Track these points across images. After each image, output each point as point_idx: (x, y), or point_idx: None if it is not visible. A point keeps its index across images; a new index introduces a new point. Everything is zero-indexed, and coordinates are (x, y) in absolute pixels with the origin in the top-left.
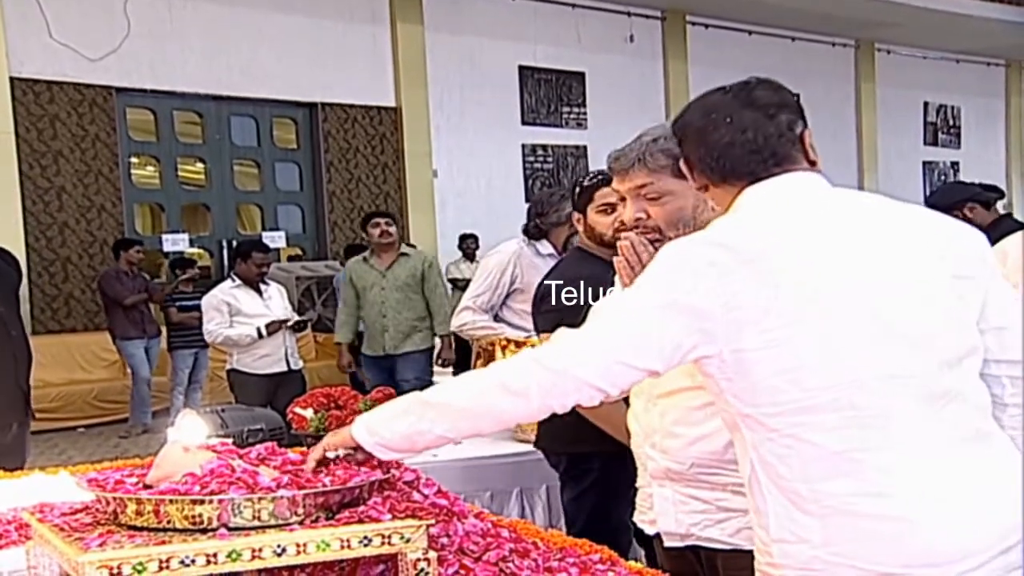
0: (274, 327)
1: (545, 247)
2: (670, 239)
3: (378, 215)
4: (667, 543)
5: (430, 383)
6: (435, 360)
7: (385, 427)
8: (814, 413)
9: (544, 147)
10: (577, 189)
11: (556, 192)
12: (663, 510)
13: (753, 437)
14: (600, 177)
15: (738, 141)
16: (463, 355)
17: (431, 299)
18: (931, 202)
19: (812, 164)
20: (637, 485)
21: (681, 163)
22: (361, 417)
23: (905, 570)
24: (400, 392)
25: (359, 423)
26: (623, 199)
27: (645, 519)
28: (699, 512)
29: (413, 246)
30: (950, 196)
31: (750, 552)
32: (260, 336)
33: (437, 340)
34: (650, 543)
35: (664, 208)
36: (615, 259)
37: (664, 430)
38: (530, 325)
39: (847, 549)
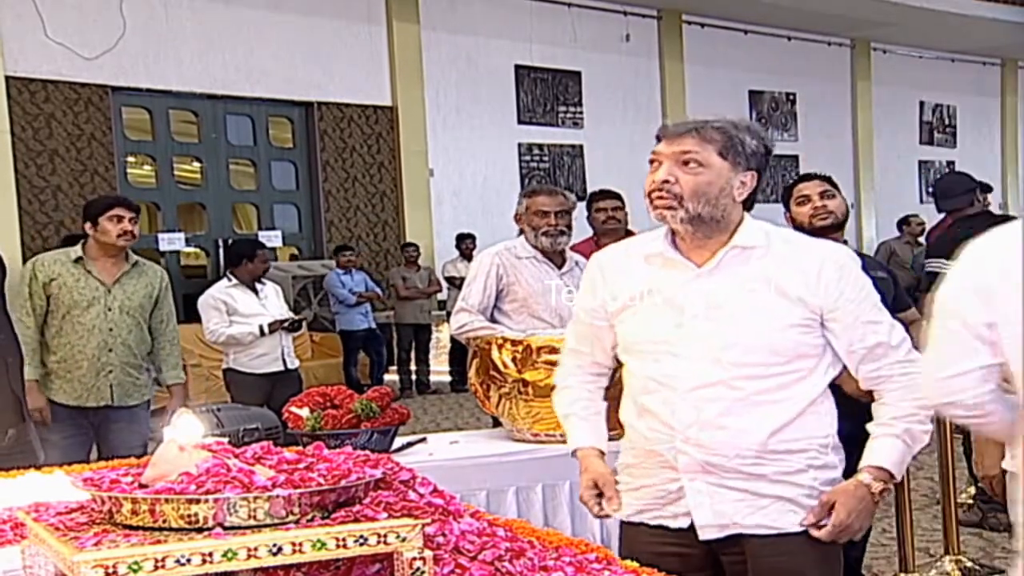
0: (276, 326)
1: (525, 250)
2: (686, 210)
3: (120, 203)
4: (703, 536)
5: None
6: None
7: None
8: None
9: (540, 146)
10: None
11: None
12: (698, 503)
13: None
14: (797, 177)
15: None
16: (461, 355)
17: (160, 333)
18: (938, 192)
19: None
20: (644, 483)
21: None
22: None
23: None
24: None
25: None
26: (660, 163)
27: (663, 514)
28: (738, 501)
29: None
30: (958, 187)
31: (790, 535)
32: (262, 334)
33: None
34: None
35: (696, 178)
36: None
37: (703, 422)
38: (521, 325)
39: None
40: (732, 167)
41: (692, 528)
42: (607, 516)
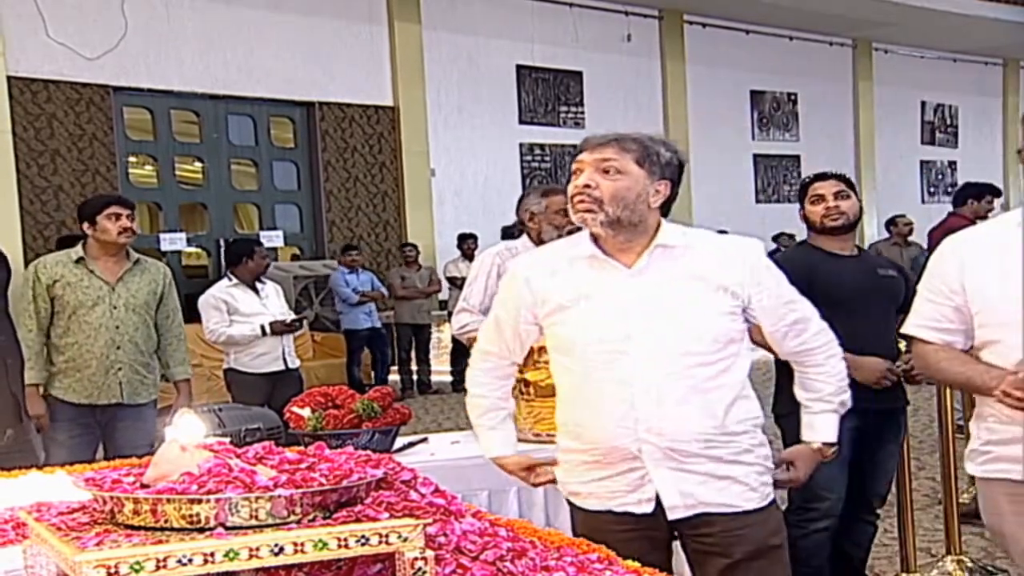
0: (278, 328)
1: (525, 248)
2: (606, 214)
3: (116, 201)
4: (672, 516)
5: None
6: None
7: None
8: None
9: (541, 146)
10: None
11: (530, 190)
12: (663, 487)
13: None
14: (813, 175)
15: None
16: (462, 355)
17: (166, 330)
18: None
19: None
20: (606, 473)
21: None
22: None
23: None
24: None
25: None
26: (582, 171)
27: (627, 501)
28: (700, 484)
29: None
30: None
31: (748, 512)
32: (264, 334)
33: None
34: None
35: (615, 184)
36: None
37: (663, 414)
38: None
39: None
40: (648, 175)
41: (655, 512)
42: (550, 481)
